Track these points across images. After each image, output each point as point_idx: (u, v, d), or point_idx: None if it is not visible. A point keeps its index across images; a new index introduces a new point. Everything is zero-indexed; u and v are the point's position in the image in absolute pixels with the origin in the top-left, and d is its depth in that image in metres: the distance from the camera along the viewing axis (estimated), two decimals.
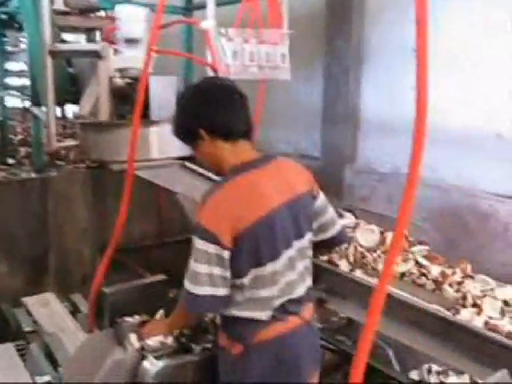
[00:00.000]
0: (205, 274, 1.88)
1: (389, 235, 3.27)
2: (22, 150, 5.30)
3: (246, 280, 1.94)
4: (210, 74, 3.31)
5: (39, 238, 4.24)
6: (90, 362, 2.24)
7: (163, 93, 2.99)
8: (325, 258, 3.25)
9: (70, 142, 3.96)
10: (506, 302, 2.75)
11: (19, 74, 6.39)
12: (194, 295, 1.89)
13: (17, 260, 4.15)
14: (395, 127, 6.50)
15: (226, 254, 1.89)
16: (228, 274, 1.92)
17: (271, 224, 1.95)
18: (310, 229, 2.15)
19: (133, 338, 2.18)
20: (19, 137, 6.02)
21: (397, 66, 6.37)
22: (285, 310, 2.02)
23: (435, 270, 2.96)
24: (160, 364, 2.06)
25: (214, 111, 2.01)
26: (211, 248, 1.88)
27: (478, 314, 2.63)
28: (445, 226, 5.83)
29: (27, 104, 6.41)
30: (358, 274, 3.14)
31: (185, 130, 2.09)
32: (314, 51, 6.84)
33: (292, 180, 2.10)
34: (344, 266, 3.22)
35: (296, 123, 7.34)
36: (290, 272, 2.03)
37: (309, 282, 2.17)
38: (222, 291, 1.91)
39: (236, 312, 1.99)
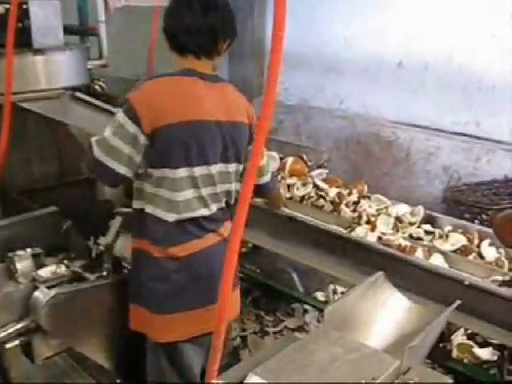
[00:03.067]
0: (115, 148, 1.92)
1: (288, 160, 3.29)
2: None
3: (155, 173, 1.97)
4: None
5: None
6: None
7: (46, 18, 2.83)
8: None
9: None
10: (398, 219, 2.85)
11: None
12: (99, 162, 1.95)
13: None
14: (303, 61, 6.53)
15: (143, 140, 1.92)
16: (138, 158, 1.95)
17: (195, 132, 1.97)
18: (238, 160, 2.13)
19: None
20: None
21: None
22: (202, 227, 2.06)
23: (333, 192, 3.02)
24: (51, 293, 2.02)
25: (176, 22, 2.02)
26: (129, 126, 1.91)
27: (372, 230, 2.72)
28: (351, 154, 6.00)
29: None
30: (260, 200, 3.16)
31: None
32: None
33: (233, 106, 2.10)
34: None
35: None
36: (203, 189, 2.04)
37: (225, 203, 2.17)
38: (123, 169, 1.95)
39: (144, 205, 2.03)
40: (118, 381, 2.18)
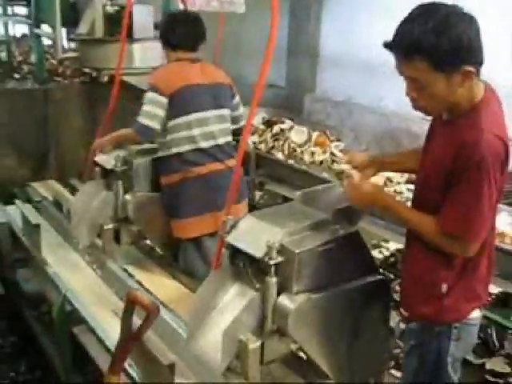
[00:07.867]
0: (149, 112, 3.06)
1: (314, 134, 4.28)
2: (25, 68, 6.14)
3: (178, 121, 3.08)
4: (180, 5, 4.25)
5: (42, 138, 5.13)
6: (85, 203, 3.22)
7: (143, 18, 4.00)
8: (265, 150, 4.28)
9: (71, 54, 4.93)
10: (389, 178, 3.79)
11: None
12: (144, 125, 3.06)
13: (24, 155, 5.03)
14: (349, 62, 7.45)
15: (165, 101, 3.05)
16: (164, 114, 3.07)
17: (193, 91, 3.11)
18: (224, 106, 3.21)
19: None
20: (19, 58, 6.81)
21: (353, 5, 7.29)
22: (212, 156, 3.13)
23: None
24: (137, 196, 3.10)
25: (170, 30, 3.20)
26: (156, 95, 3.05)
27: None
28: (385, 146, 6.88)
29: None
30: (283, 158, 4.19)
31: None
32: None
33: (213, 73, 3.25)
34: (280, 156, 4.26)
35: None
36: (207, 127, 3.12)
37: (228, 138, 3.23)
38: (156, 125, 3.06)
39: (173, 149, 3.12)
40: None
